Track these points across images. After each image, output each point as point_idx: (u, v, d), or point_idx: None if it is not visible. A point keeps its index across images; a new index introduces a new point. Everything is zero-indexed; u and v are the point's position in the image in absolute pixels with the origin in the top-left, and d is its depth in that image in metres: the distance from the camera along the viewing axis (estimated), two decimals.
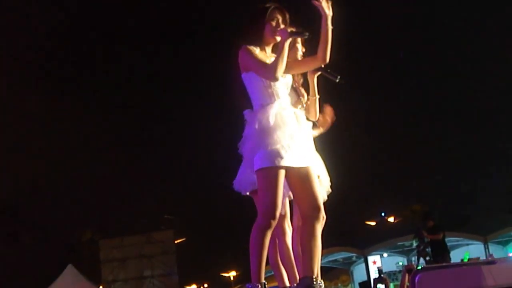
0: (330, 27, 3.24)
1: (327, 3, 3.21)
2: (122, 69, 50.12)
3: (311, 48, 3.49)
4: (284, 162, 3.12)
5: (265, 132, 3.16)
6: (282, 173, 3.14)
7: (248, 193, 3.87)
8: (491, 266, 4.24)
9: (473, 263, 4.94)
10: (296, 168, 3.18)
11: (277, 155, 3.10)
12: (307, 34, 3.30)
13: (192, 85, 53.15)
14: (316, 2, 3.21)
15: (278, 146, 3.12)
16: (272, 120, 3.17)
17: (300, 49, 3.84)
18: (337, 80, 3.62)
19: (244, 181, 3.81)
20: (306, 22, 3.46)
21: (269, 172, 3.11)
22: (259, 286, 3.15)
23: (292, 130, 3.21)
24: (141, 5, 49.19)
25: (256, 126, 3.19)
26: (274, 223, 3.15)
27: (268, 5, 3.39)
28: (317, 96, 3.81)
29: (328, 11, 3.22)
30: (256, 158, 3.16)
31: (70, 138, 45.80)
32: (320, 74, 3.75)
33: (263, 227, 3.15)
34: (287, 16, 3.40)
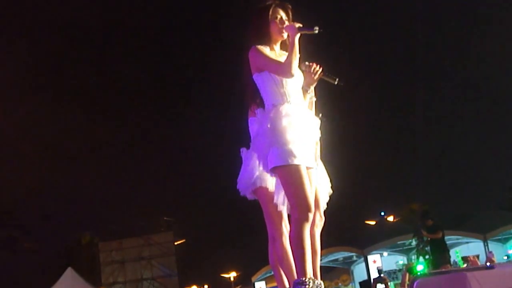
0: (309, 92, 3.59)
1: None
2: (122, 72, 50.06)
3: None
4: (297, 161, 3.15)
5: (278, 131, 3.18)
6: (301, 167, 3.16)
7: (249, 193, 3.87)
8: (490, 271, 4.20)
9: (472, 268, 4.93)
10: (305, 167, 3.22)
11: (291, 153, 3.14)
12: (317, 29, 3.25)
13: (192, 89, 53.15)
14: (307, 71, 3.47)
15: (290, 146, 3.16)
16: (284, 120, 3.20)
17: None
18: (336, 83, 3.61)
19: (246, 180, 3.83)
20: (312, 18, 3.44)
21: (288, 169, 3.14)
22: (306, 281, 3.07)
23: (303, 130, 3.25)
24: (140, 5, 49.15)
25: (269, 125, 3.20)
26: (311, 216, 3.14)
27: (269, 2, 3.39)
28: (314, 98, 3.79)
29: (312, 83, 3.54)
30: (270, 156, 3.18)
31: (68, 141, 45.73)
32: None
33: (301, 221, 3.12)
34: (290, 11, 3.41)
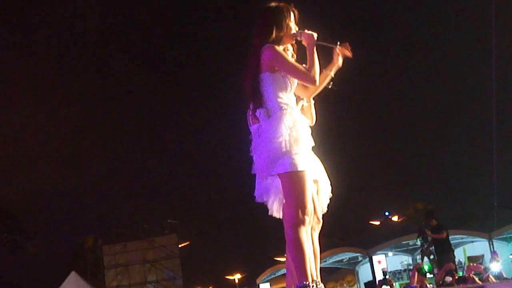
0: (332, 74, 3.42)
1: (344, 53, 3.38)
2: (125, 72, 50.10)
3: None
4: (304, 167, 3.15)
5: (287, 137, 3.18)
6: (306, 174, 3.16)
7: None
8: None
9: None
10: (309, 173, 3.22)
11: (299, 160, 3.14)
12: (338, 43, 3.32)
13: (197, 90, 53.20)
14: (340, 48, 3.38)
15: (301, 151, 3.17)
16: (293, 125, 3.21)
17: (290, 56, 3.73)
18: (329, 86, 3.55)
19: (265, 190, 3.79)
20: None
21: (294, 175, 3.13)
22: (309, 284, 3.04)
23: (306, 135, 3.27)
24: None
25: (278, 130, 3.19)
26: (308, 219, 3.15)
27: (282, 4, 3.37)
28: (312, 101, 3.75)
29: (340, 62, 3.41)
30: (279, 164, 3.15)
31: (72, 144, 45.79)
32: None
33: (298, 224, 3.13)
34: (297, 15, 3.40)
